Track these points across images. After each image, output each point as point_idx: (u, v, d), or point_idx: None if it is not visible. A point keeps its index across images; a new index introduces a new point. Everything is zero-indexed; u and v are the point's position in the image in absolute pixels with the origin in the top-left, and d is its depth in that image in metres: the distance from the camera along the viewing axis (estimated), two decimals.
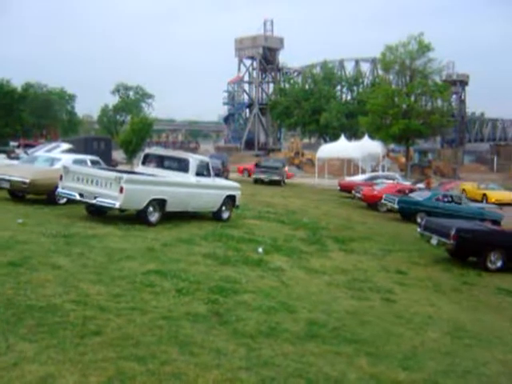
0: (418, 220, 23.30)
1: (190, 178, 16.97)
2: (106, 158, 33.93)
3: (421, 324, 9.93)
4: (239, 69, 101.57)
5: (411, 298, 12.06)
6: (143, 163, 18.17)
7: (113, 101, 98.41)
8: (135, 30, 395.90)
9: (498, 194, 39.72)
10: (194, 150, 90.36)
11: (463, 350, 8.86)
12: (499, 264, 17.06)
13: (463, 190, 43.15)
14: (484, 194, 40.26)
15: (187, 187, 16.70)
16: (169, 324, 7.40)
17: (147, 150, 20.02)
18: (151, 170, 17.48)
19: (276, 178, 42.10)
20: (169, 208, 15.85)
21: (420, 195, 29.20)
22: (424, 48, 56.75)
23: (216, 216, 18.00)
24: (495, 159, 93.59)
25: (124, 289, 8.83)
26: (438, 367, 7.61)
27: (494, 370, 8.08)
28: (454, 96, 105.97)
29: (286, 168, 50.34)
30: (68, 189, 15.28)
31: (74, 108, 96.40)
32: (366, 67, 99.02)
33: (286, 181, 45.00)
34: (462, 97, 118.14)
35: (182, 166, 17.37)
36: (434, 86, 61.15)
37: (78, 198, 15.11)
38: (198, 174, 17.29)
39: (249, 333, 7.52)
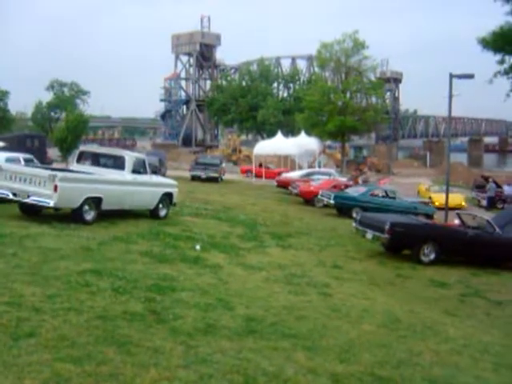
0: (354, 215, 23.68)
1: (126, 175, 16.78)
2: (41, 156, 33.31)
3: (357, 317, 10.09)
4: (176, 65, 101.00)
5: (347, 292, 12.24)
6: (78, 161, 17.86)
7: (47, 97, 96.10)
8: (68, 24, 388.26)
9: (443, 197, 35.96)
10: (131, 147, 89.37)
11: (398, 341, 9.04)
12: (432, 256, 17.54)
13: (418, 191, 41.92)
14: (430, 197, 37.15)
15: (123, 185, 16.51)
16: (105, 324, 7.30)
17: (82, 148, 19.71)
18: (86, 167, 17.19)
19: (213, 174, 42.04)
20: (105, 206, 15.63)
21: (355, 191, 29.71)
22: (359, 46, 57.79)
23: (153, 214, 17.85)
24: (428, 155, 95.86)
25: (59, 289, 8.66)
26: (373, 359, 7.74)
27: (427, 359, 8.27)
28: (388, 93, 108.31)
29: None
30: (0, 188, 14.89)
31: (6, 105, 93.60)
32: (302, 64, 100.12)
33: (224, 177, 44.96)
34: (396, 94, 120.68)
35: (117, 163, 17.16)
36: (369, 83, 62.52)
37: (11, 196, 14.74)
38: (135, 171, 17.11)
39: (186, 330, 7.49)
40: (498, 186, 44.01)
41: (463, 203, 35.57)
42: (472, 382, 7.61)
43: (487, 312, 13.10)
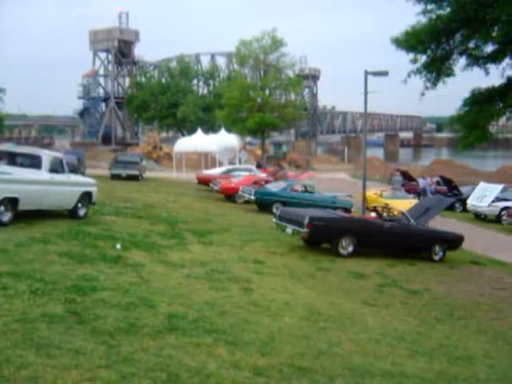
0: (274, 210, 23.95)
1: (43, 174, 16.40)
2: None
3: (278, 310, 10.26)
4: (94, 62, 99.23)
5: (268, 286, 12.42)
6: None
7: None
8: None
9: (398, 204, 26.98)
10: (49, 146, 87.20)
11: (318, 332, 9.26)
12: (350, 249, 17.99)
13: (366, 198, 30.68)
14: (386, 204, 27.44)
15: (40, 184, 16.14)
16: (24, 327, 7.16)
17: None
18: (2, 167, 16.71)
19: (134, 172, 41.56)
20: (22, 206, 15.22)
21: (275, 186, 30.06)
22: (277, 43, 58.38)
23: (72, 213, 17.53)
24: (346, 150, 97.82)
25: None
26: (294, 350, 7.89)
27: (347, 349, 8.51)
28: (307, 90, 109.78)
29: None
30: None
31: None
32: (221, 61, 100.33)
33: (144, 175, 44.47)
34: (314, 90, 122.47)
35: (34, 162, 16.74)
36: (288, 80, 63.12)
37: None
38: (52, 170, 16.75)
39: (108, 330, 7.43)
40: (413, 180, 45.51)
41: None
42: (389, 369, 7.88)
43: (404, 301, 13.60)
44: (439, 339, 10.55)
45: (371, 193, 35.06)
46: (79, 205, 17.64)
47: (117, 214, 19.90)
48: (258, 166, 51.12)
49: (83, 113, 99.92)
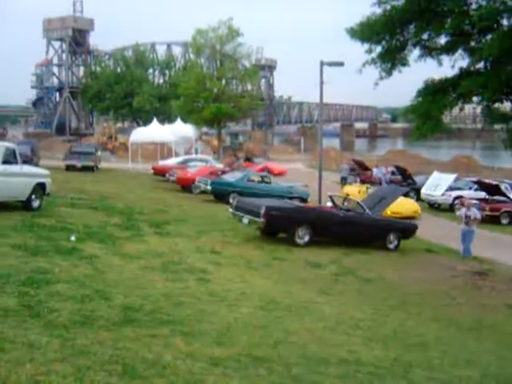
0: (231, 200, 23.96)
1: None
2: None
3: (234, 301, 10.28)
4: (48, 51, 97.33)
5: (225, 277, 12.45)
6: None
7: None
8: None
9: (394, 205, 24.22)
10: (1, 137, 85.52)
11: (275, 322, 9.32)
12: (306, 238, 18.15)
13: (347, 194, 27.89)
14: None
15: None
16: None
17: None
18: None
19: (89, 163, 41.05)
20: None
21: (232, 176, 30.09)
22: (233, 33, 58.21)
23: (26, 205, 17.26)
24: (302, 140, 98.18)
25: None
26: (251, 340, 7.93)
27: (303, 338, 8.58)
28: (263, 80, 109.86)
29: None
30: None
31: None
32: (177, 51, 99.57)
33: (99, 166, 43.93)
34: (271, 81, 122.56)
35: None
36: (244, 70, 63.09)
37: None
38: (5, 161, 16.44)
39: (62, 323, 7.35)
40: (368, 169, 46.03)
41: (419, 211, 29.75)
42: (345, 357, 7.96)
43: (359, 289, 13.81)
44: (394, 326, 10.73)
45: (355, 190, 32.25)
46: (33, 196, 17.36)
47: (72, 206, 19.67)
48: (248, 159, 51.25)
49: (36, 102, 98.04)
